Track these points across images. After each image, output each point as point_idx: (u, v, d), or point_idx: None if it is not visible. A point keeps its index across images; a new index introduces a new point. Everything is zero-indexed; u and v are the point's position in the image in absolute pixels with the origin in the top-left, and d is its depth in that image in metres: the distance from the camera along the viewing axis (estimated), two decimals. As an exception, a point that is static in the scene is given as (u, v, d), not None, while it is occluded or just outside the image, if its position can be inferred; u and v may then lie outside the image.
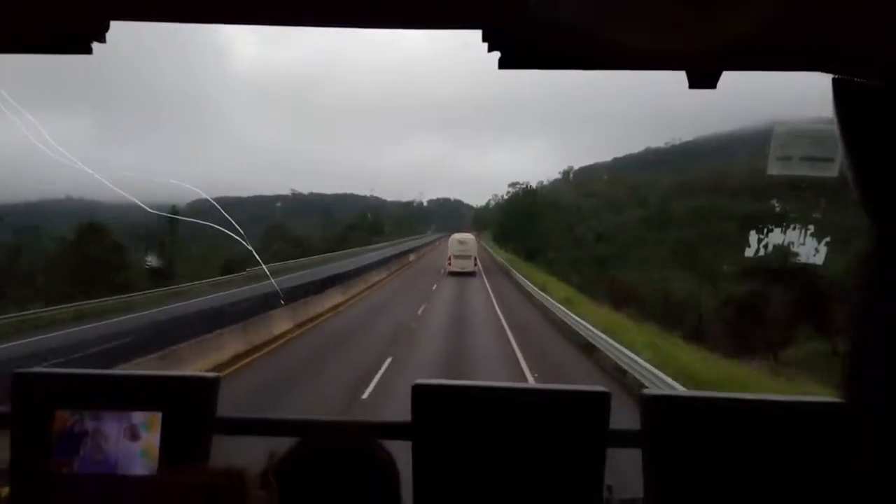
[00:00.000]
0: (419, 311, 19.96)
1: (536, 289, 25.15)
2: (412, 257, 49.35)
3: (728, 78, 1.02)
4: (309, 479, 0.74)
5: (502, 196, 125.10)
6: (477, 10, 0.91)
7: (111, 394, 1.32)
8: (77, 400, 1.30)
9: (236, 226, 2.44)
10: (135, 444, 1.28)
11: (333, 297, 21.25)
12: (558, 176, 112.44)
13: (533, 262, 42.75)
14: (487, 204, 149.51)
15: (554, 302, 20.49)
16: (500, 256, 50.63)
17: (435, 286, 28.82)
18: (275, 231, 56.12)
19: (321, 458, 0.78)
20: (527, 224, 58.40)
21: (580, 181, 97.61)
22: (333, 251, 46.17)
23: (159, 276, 30.33)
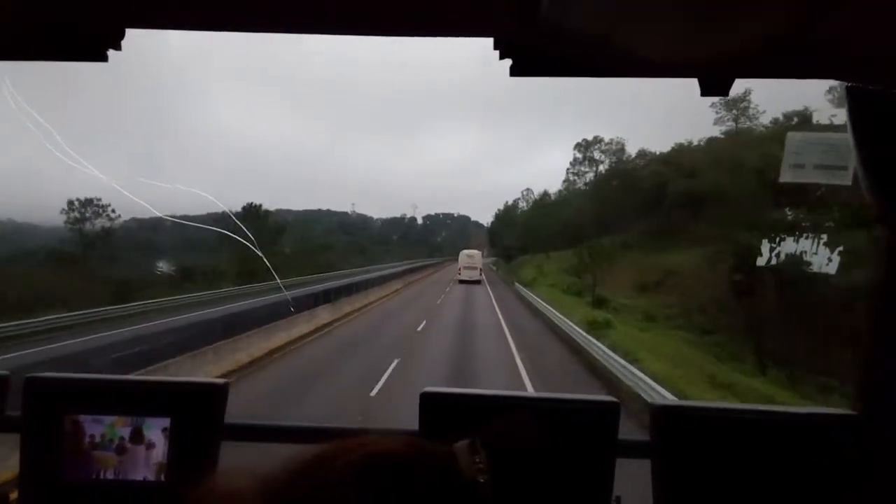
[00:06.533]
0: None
1: None
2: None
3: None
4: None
5: (542, 191, 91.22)
6: (488, 19, 0.91)
7: (121, 399, 1.33)
8: (87, 405, 1.30)
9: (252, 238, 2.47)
10: (143, 449, 1.29)
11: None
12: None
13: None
14: (515, 204, 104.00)
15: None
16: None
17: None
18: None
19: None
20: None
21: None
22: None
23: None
